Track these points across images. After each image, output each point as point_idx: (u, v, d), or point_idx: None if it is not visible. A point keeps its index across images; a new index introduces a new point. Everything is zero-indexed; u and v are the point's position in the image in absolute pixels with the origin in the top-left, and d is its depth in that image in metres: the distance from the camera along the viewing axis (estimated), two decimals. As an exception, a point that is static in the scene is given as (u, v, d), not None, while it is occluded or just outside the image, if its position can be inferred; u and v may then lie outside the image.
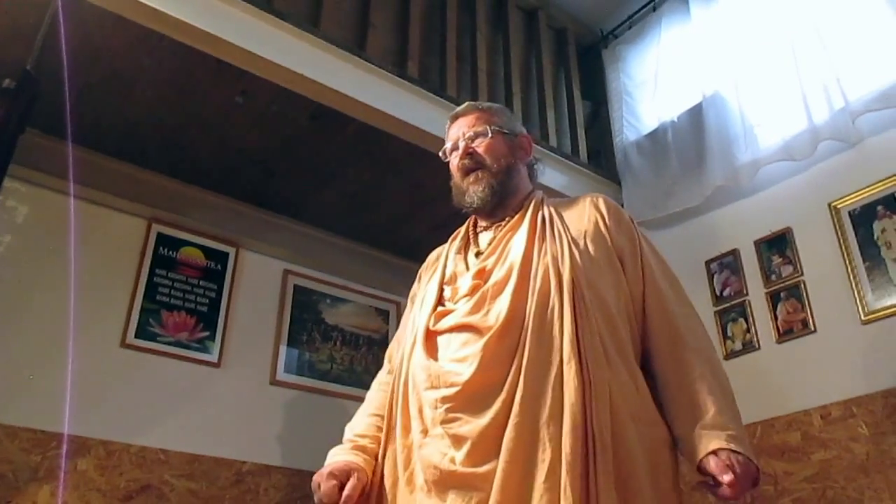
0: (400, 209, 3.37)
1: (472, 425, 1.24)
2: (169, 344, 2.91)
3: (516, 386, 1.25)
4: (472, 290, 1.41)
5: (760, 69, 3.01)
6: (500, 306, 1.34)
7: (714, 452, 1.24)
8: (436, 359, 1.37)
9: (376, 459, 1.40)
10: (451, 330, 1.38)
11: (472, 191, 1.56)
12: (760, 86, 3.00)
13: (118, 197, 2.97)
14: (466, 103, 1.71)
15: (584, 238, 1.45)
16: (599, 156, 3.64)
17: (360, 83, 2.63)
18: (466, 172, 1.58)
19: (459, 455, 1.23)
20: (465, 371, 1.29)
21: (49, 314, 2.65)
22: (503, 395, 1.25)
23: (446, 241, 1.71)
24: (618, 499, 1.16)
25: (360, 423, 1.51)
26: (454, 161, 1.62)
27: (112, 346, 2.78)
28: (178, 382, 2.88)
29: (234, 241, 3.27)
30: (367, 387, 1.65)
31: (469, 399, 1.27)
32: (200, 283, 3.11)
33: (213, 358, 3.00)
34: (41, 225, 2.76)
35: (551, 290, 1.33)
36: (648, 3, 3.66)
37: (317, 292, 3.48)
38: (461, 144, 1.59)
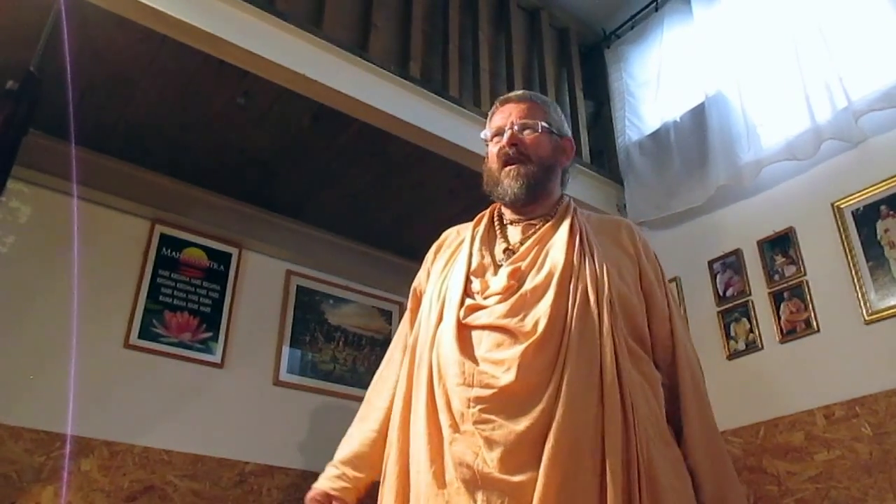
0: (402, 210, 3.37)
1: (505, 430, 1.23)
2: (172, 345, 2.92)
3: (557, 400, 1.24)
4: (507, 291, 1.38)
5: (763, 68, 3.01)
6: (538, 313, 1.33)
7: None
8: (470, 356, 1.34)
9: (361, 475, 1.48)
10: (484, 328, 1.36)
11: (507, 184, 1.52)
12: (763, 85, 2.99)
13: (121, 198, 2.97)
14: (522, 90, 1.66)
15: (622, 266, 1.45)
16: (602, 156, 3.63)
17: (362, 84, 2.63)
18: (506, 163, 1.53)
19: (492, 457, 1.22)
20: (503, 376, 1.27)
21: (52, 315, 2.65)
22: (542, 406, 1.24)
23: (462, 227, 1.67)
24: None
25: (350, 446, 1.53)
26: (494, 148, 1.57)
27: (115, 346, 2.78)
28: (181, 383, 2.88)
29: (237, 241, 3.27)
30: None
31: (504, 403, 1.26)
32: (203, 283, 3.11)
33: (216, 359, 3.01)
34: (44, 226, 2.76)
35: (591, 310, 1.33)
36: (651, 3, 3.65)
37: (319, 293, 3.48)
38: (507, 132, 1.54)
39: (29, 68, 2.15)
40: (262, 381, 3.11)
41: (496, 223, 1.58)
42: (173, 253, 3.08)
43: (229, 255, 3.23)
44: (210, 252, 3.19)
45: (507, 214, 1.58)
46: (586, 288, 1.36)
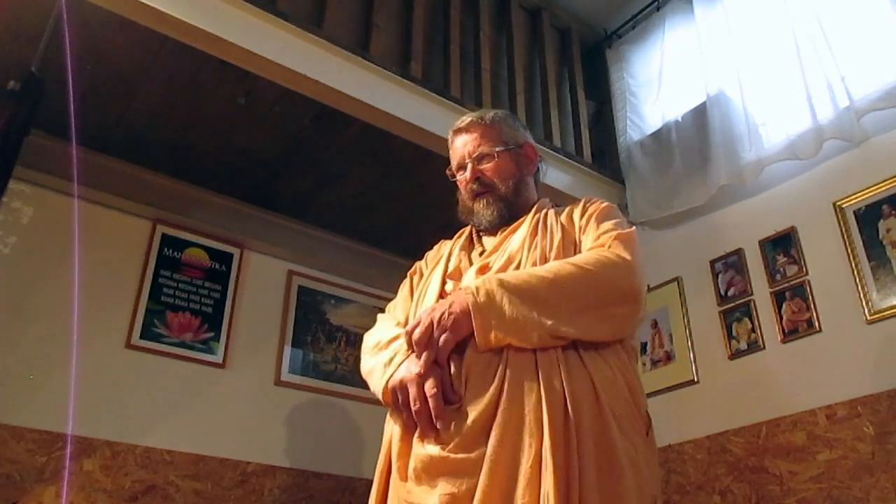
0: (403, 210, 3.37)
1: (462, 418, 1.25)
2: (173, 345, 2.92)
3: (504, 376, 1.26)
4: None
5: (764, 68, 3.01)
6: None
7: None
8: None
9: None
10: None
11: (480, 214, 1.58)
12: (765, 85, 2.99)
13: (122, 198, 2.97)
14: (468, 117, 1.68)
15: (577, 234, 1.48)
16: (603, 156, 3.63)
17: (363, 84, 2.63)
18: (475, 196, 1.59)
19: (450, 445, 1.24)
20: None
21: (54, 315, 2.65)
22: (491, 389, 1.26)
23: (450, 240, 1.72)
24: (599, 484, 1.17)
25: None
26: (462, 182, 1.63)
27: (117, 347, 2.78)
28: (183, 383, 2.88)
29: (239, 242, 3.28)
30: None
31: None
32: (205, 284, 3.11)
33: (218, 359, 3.01)
34: (46, 226, 2.76)
35: None
36: (652, 3, 3.65)
37: (321, 293, 3.48)
38: (468, 165, 1.60)
39: (30, 69, 2.16)
40: (264, 381, 3.11)
41: (474, 235, 1.64)
42: (175, 253, 3.09)
43: (231, 256, 3.24)
44: (211, 252, 3.19)
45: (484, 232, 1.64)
46: (535, 264, 1.39)
